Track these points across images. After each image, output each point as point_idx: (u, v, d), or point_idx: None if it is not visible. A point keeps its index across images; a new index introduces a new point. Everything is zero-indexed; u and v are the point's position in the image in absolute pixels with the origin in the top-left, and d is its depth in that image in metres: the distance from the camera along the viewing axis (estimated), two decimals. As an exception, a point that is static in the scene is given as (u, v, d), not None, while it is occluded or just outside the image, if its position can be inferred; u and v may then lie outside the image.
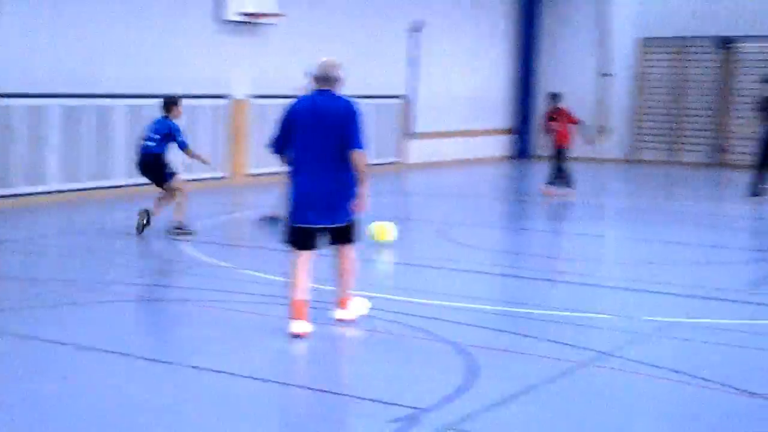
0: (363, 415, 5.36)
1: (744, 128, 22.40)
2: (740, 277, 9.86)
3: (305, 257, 7.00)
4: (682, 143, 24.01)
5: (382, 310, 7.55)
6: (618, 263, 10.79)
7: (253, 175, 16.92)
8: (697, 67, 23.79)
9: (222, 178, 16.55)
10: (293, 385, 5.81)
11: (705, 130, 23.67)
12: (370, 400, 5.53)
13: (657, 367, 6.21)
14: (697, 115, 23.79)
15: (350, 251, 7.21)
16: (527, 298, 8.57)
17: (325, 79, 7.01)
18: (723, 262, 10.58)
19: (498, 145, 24.94)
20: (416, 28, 20.82)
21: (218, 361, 6.17)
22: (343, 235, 7.12)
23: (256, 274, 9.00)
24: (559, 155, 16.40)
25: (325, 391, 5.72)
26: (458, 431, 5.01)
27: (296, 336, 6.81)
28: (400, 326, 7.19)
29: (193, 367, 6.04)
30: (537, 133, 23.89)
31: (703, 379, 5.97)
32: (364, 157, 6.91)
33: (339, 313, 7.29)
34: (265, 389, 5.73)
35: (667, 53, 24.15)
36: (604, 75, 24.70)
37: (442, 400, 5.43)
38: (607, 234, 12.93)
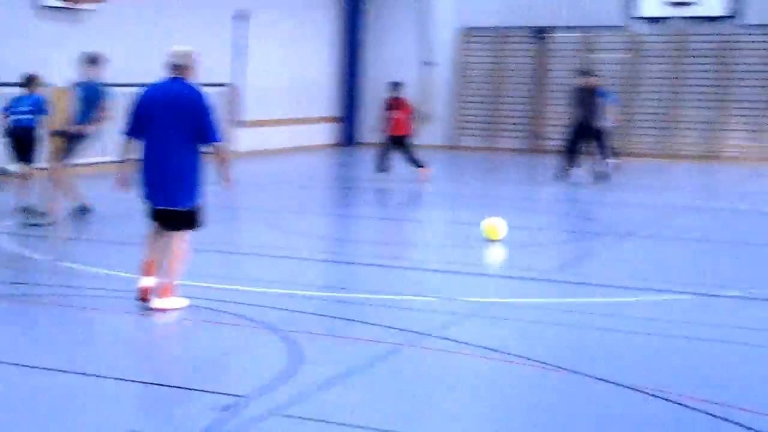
0: (184, 404, 5.34)
1: (558, 115, 23.33)
2: (552, 258, 10.34)
3: (154, 231, 7.37)
4: (501, 130, 24.83)
5: (206, 298, 7.52)
6: (438, 246, 11.10)
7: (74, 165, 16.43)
8: (515, 57, 24.64)
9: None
10: (111, 378, 5.73)
11: (522, 117, 24.55)
12: (192, 389, 5.52)
13: (475, 346, 6.43)
14: (514, 103, 24.64)
15: (182, 239, 7.29)
16: (351, 283, 8.73)
17: (176, 67, 7.23)
18: (534, 244, 11.05)
19: (325, 133, 25.11)
20: (242, 16, 20.66)
21: (30, 357, 6.03)
22: (179, 221, 7.25)
23: (74, 266, 8.81)
24: (395, 143, 16.69)
25: (146, 383, 5.66)
26: (282, 416, 5.08)
27: (143, 290, 7.16)
28: (223, 314, 7.18)
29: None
30: (370, 121, 24.21)
31: (519, 356, 6.21)
32: (223, 147, 7.33)
33: (157, 302, 7.21)
34: (84, 383, 5.62)
35: (486, 43, 24.88)
36: (427, 64, 25.22)
37: (266, 387, 5.47)
38: (429, 219, 13.28)
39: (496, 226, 10.68)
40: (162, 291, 7.24)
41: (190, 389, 5.54)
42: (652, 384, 5.64)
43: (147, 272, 7.27)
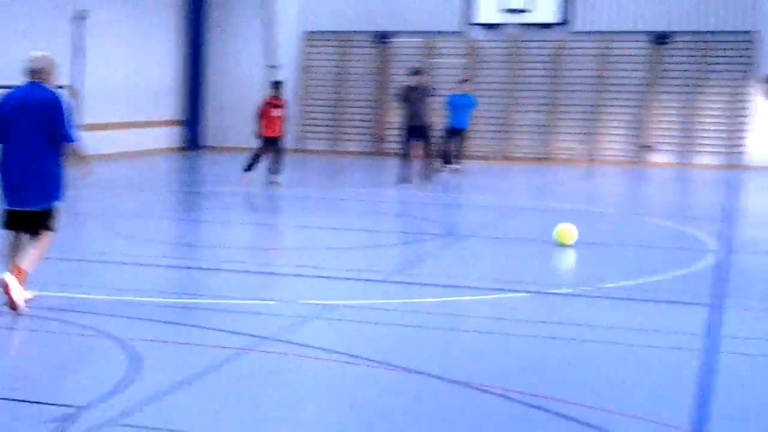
0: (17, 418, 5.21)
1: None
2: (393, 259, 10.56)
3: (13, 238, 7.62)
4: (345, 133, 25.09)
5: (44, 307, 7.36)
6: (280, 250, 11.17)
7: None
8: (358, 61, 24.95)
9: None
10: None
11: (366, 121, 24.88)
12: (28, 401, 5.40)
13: (317, 348, 6.52)
14: (358, 107, 24.94)
15: (43, 237, 7.58)
16: (193, 289, 8.69)
17: (34, 72, 7.53)
18: (376, 246, 11.26)
19: (169, 136, 24.77)
20: (80, 17, 20.16)
21: None
22: (39, 221, 7.54)
23: None
24: (271, 144, 16.58)
25: (-22, 396, 5.52)
26: (121, 426, 5.04)
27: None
28: (61, 323, 7.04)
29: None
30: (219, 123, 24.01)
31: (360, 357, 6.34)
32: (80, 147, 7.66)
33: (9, 278, 7.18)
34: None
35: (329, 47, 25.09)
36: (271, 67, 25.22)
37: (103, 396, 5.40)
38: (272, 222, 13.33)
39: (568, 231, 10.88)
40: (17, 271, 7.30)
41: (25, 401, 5.41)
42: (490, 381, 5.85)
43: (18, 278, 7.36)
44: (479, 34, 24.10)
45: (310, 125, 25.29)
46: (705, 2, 22.53)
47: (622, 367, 6.35)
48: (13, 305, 7.18)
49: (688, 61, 22.84)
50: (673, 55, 22.93)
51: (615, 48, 23.27)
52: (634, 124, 23.35)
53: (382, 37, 24.55)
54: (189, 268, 9.74)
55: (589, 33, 23.33)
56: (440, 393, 5.75)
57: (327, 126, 25.25)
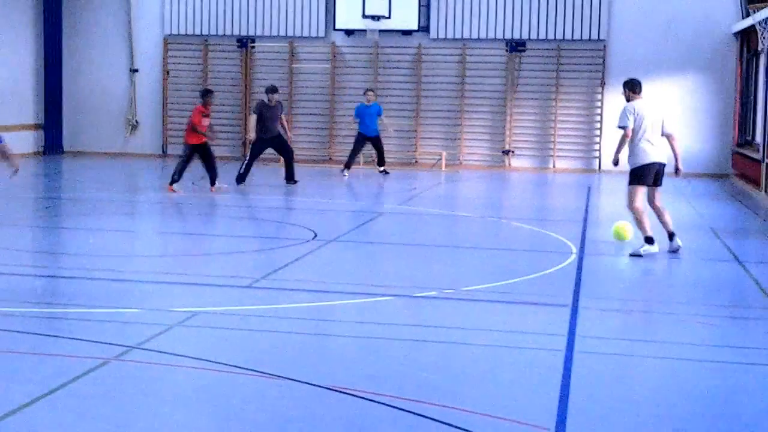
0: None
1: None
2: (259, 265, 10.52)
3: None
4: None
5: None
6: (147, 257, 10.98)
7: None
8: (220, 65, 24.75)
9: None
10: None
11: (229, 125, 24.68)
12: None
13: (182, 356, 6.45)
14: (221, 111, 24.70)
15: None
16: (55, 298, 8.45)
17: None
18: (242, 251, 11.19)
19: (26, 141, 23.99)
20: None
21: None
22: None
23: None
24: (199, 151, 16.57)
25: None
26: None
27: None
28: None
29: None
30: (75, 126, 23.40)
31: (226, 364, 6.30)
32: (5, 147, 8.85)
33: None
34: None
35: (191, 50, 24.81)
36: (132, 71, 24.80)
37: (-39, 411, 5.24)
38: (137, 229, 13.09)
39: (625, 227, 11.82)
40: None
41: None
42: (359, 385, 5.91)
43: None
44: (341, 39, 24.25)
45: (173, 130, 24.91)
46: (559, 12, 23.27)
47: (487, 368, 6.51)
48: None
49: (544, 68, 23.54)
50: (529, 62, 23.59)
51: (473, 55, 23.78)
52: (494, 130, 23.90)
53: (243, 41, 24.42)
54: (50, 276, 9.47)
55: (447, 40, 23.78)
56: (309, 398, 5.76)
57: (189, 130, 24.89)
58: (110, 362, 6.31)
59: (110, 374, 6.14)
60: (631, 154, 11.44)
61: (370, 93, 21.41)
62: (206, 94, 17.10)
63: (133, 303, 8.12)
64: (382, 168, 21.44)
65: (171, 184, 16.39)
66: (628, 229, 11.79)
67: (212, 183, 16.70)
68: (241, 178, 17.91)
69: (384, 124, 21.35)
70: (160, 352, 6.56)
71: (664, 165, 11.49)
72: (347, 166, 20.96)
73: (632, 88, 11.67)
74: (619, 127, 11.52)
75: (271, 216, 14.81)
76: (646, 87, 23.10)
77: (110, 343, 6.71)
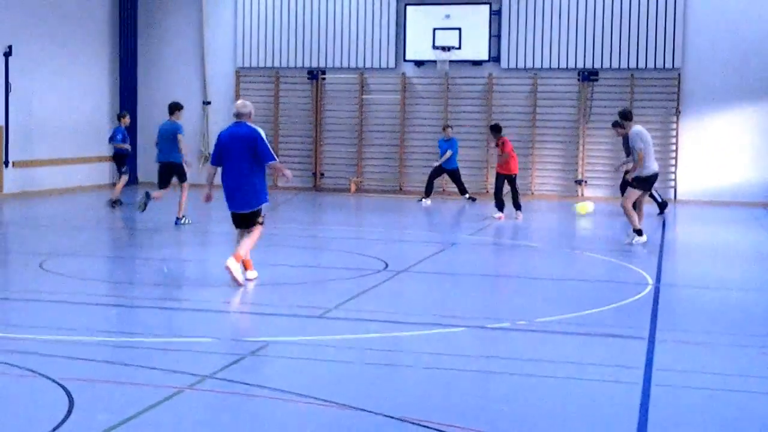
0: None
1: (335, 153, 23.88)
2: (330, 295, 10.52)
3: (239, 233, 10.76)
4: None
5: (-27, 349, 7.19)
6: (217, 286, 11.06)
7: None
8: (292, 96, 25.02)
9: None
10: None
11: (302, 156, 24.88)
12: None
13: (257, 386, 6.45)
14: (293, 142, 24.97)
15: (256, 230, 10.59)
16: (130, 327, 8.55)
17: (239, 115, 10.58)
18: (314, 281, 11.21)
19: (101, 173, 24.48)
20: (5, 53, 19.88)
21: None
22: (250, 219, 10.58)
23: None
24: None
25: None
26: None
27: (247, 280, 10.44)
28: (-7, 365, 6.89)
29: None
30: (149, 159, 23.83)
31: (300, 394, 6.28)
32: (277, 164, 10.57)
33: (231, 262, 10.17)
34: None
35: (262, 82, 25.12)
36: (205, 103, 25.18)
37: (39, 438, 5.30)
38: (205, 258, 13.20)
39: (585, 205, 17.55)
40: (245, 263, 10.57)
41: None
42: (431, 417, 5.85)
43: (246, 266, 10.62)
44: (411, 70, 24.34)
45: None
46: (632, 40, 23.05)
47: (561, 402, 6.39)
48: (237, 283, 10.15)
49: (617, 97, 23.31)
50: (601, 92, 23.38)
51: (544, 84, 23.65)
52: (566, 159, 23.70)
53: (315, 73, 24.66)
54: (120, 305, 9.58)
55: (518, 69, 23.70)
56: (381, 429, 5.71)
57: (261, 162, 25.20)
58: (184, 391, 6.34)
59: (184, 403, 6.17)
60: (643, 167, 14.32)
61: (449, 129, 22.04)
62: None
63: (206, 332, 8.17)
64: (467, 195, 22.00)
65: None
66: (588, 206, 18.42)
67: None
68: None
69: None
70: (234, 381, 6.57)
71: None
72: (427, 193, 21.92)
73: (629, 117, 14.78)
74: (639, 149, 14.24)
75: (343, 246, 14.85)
76: (722, 116, 22.65)
77: (184, 372, 6.75)
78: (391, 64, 24.36)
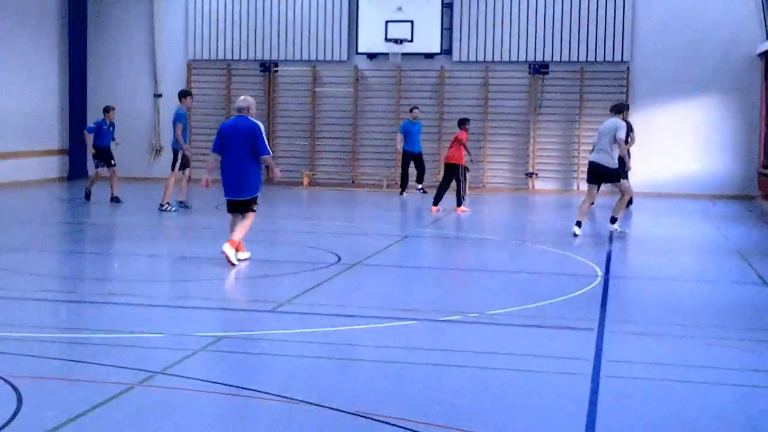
0: None
1: (287, 146, 23.81)
2: (282, 289, 10.51)
3: (232, 219, 11.57)
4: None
5: None
6: (169, 281, 11.00)
7: None
8: (243, 89, 24.88)
9: None
10: None
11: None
12: None
13: (209, 381, 6.43)
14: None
15: (249, 217, 11.46)
16: (78, 323, 8.47)
17: (239, 109, 11.43)
18: (266, 275, 11.19)
19: (51, 166, 24.18)
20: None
21: None
22: (245, 206, 11.42)
23: None
24: None
25: None
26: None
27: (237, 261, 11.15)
28: (-62, 363, 6.78)
29: None
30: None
31: (254, 390, 6.29)
32: (270, 159, 11.47)
33: (226, 247, 11.13)
34: None
35: (214, 75, 24.97)
36: (156, 96, 24.97)
37: (-14, 437, 5.25)
38: (159, 253, 13.11)
39: None
40: (235, 244, 11.22)
41: None
42: (387, 411, 5.87)
43: (236, 247, 11.28)
44: (363, 63, 24.34)
45: (197, 154, 25.01)
46: (582, 34, 23.26)
47: (513, 393, 6.45)
48: (231, 264, 11.03)
49: (567, 90, 23.50)
50: (552, 85, 23.56)
51: (496, 77, 23.78)
52: (517, 152, 23.86)
53: (267, 66, 24.56)
54: (68, 301, 9.49)
55: (470, 62, 23.80)
56: (334, 424, 5.73)
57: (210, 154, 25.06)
58: (135, 388, 6.30)
59: (135, 400, 6.13)
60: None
61: (416, 110, 22.10)
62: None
63: (157, 328, 8.12)
64: (420, 186, 22.03)
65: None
66: None
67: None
68: None
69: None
70: (185, 377, 6.54)
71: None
72: (402, 187, 21.93)
73: (615, 109, 15.31)
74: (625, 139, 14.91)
75: (295, 239, 14.82)
76: (670, 108, 22.89)
77: (135, 368, 6.70)
78: (344, 57, 24.35)
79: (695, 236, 16.16)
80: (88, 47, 25.10)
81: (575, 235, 14.65)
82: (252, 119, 11.35)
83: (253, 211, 11.54)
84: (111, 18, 25.29)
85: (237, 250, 11.32)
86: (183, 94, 17.55)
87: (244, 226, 11.37)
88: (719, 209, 19.52)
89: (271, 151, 11.59)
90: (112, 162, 19.08)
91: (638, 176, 23.01)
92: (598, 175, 14.78)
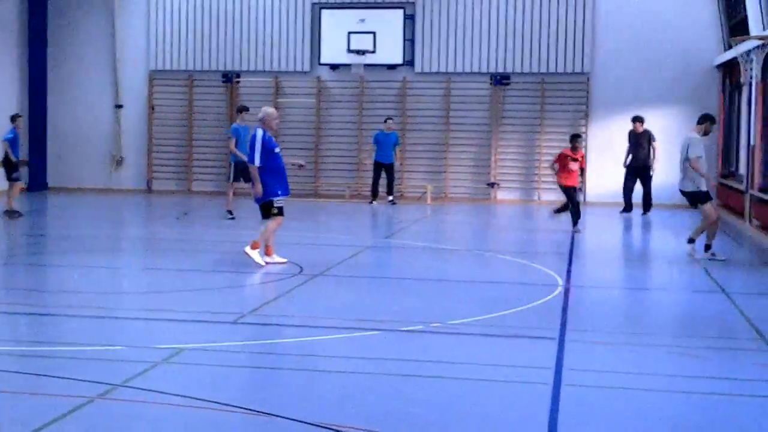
0: None
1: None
2: (246, 299, 10.48)
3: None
4: (195, 173, 24.84)
5: None
6: (129, 293, 10.93)
7: None
8: (205, 100, 24.82)
9: None
10: None
11: (215, 160, 24.68)
12: None
13: (170, 394, 6.38)
14: (207, 146, 24.76)
15: (271, 221, 12.14)
16: (38, 336, 8.38)
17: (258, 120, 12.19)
18: (230, 286, 11.14)
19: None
20: None
21: None
22: (264, 210, 12.22)
23: None
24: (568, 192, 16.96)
25: None
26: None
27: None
28: None
29: None
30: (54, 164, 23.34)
31: (216, 402, 6.25)
32: (252, 170, 12.01)
33: (248, 249, 12.08)
34: None
35: (176, 86, 24.86)
36: (117, 107, 24.82)
37: (-57, 452, 5.17)
38: (117, 265, 13.02)
39: None
40: (254, 244, 12.07)
41: None
42: (350, 422, 5.87)
43: (267, 252, 12.16)
44: (326, 74, 24.36)
45: (158, 165, 24.92)
46: (542, 45, 23.44)
47: (475, 402, 6.47)
48: (257, 265, 11.89)
49: (528, 101, 23.66)
50: (513, 96, 23.71)
51: (457, 88, 23.88)
52: (479, 162, 23.97)
53: (229, 76, 24.50)
54: (34, 314, 9.39)
55: (432, 74, 23.90)
56: (296, 435, 5.72)
57: (176, 165, 24.96)
58: (95, 401, 6.25)
59: (95, 413, 6.08)
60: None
61: (390, 121, 22.19)
62: (575, 138, 17.40)
63: (119, 340, 8.06)
64: (391, 197, 22.12)
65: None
66: None
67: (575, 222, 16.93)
68: None
69: (395, 156, 22.15)
70: (146, 390, 6.50)
71: None
72: (373, 197, 22.08)
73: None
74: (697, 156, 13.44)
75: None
76: (629, 119, 23.03)
77: (94, 381, 6.64)
78: (306, 68, 24.34)
79: (655, 246, 16.32)
80: (48, 58, 24.85)
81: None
82: (260, 128, 12.08)
83: (274, 215, 12.12)
84: (72, 29, 25.09)
85: (266, 253, 12.18)
86: (239, 110, 18.14)
87: (265, 230, 12.17)
88: (678, 219, 19.71)
89: (256, 161, 11.98)
90: (14, 175, 18.19)
91: (598, 186, 23.20)
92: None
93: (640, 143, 20.44)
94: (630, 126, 21.21)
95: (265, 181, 12.03)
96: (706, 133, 13.87)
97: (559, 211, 17.50)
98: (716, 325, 9.44)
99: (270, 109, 12.26)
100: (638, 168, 20.50)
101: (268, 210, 12.16)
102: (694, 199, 13.49)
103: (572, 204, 16.91)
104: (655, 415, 6.30)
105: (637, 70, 23.04)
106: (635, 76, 23.06)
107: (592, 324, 9.29)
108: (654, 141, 20.44)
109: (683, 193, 13.61)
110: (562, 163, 17.00)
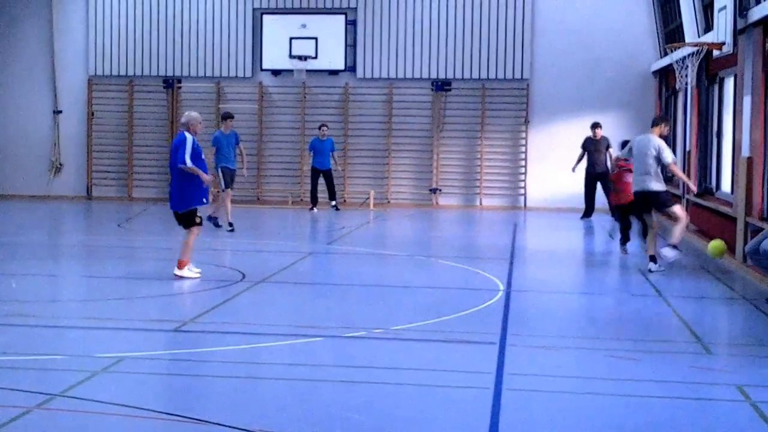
0: None
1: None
2: (188, 307, 10.41)
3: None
4: (135, 179, 24.60)
5: None
6: (69, 301, 10.79)
7: None
8: (146, 105, 24.60)
9: None
10: None
11: (156, 166, 24.46)
12: None
13: (110, 403, 6.31)
14: (148, 152, 24.53)
15: (190, 232, 11.75)
16: (-26, 346, 8.26)
17: (180, 124, 11.93)
18: (172, 294, 11.06)
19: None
20: None
21: None
22: (183, 219, 11.83)
23: None
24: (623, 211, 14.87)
25: None
26: None
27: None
28: None
29: None
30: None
31: (156, 411, 6.21)
32: (188, 167, 11.53)
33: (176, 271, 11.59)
34: None
35: (116, 91, 24.61)
36: (56, 112, 24.51)
37: None
38: (56, 272, 12.85)
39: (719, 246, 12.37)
40: (179, 263, 11.62)
41: None
42: (292, 429, 5.86)
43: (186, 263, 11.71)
44: (268, 79, 24.29)
45: (98, 171, 24.64)
46: (483, 52, 23.62)
47: (417, 408, 6.50)
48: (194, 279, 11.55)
49: (469, 107, 23.83)
50: (454, 101, 23.86)
51: (399, 94, 23.97)
52: (421, 168, 24.07)
53: (169, 82, 24.31)
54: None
55: (374, 79, 23.96)
56: (238, 443, 5.70)
57: (116, 172, 24.69)
58: (32, 411, 6.16)
59: (33, 424, 6.00)
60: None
61: (324, 128, 22.03)
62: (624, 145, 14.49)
63: (57, 349, 7.95)
64: (334, 203, 22.05)
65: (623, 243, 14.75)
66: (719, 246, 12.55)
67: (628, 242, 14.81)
68: None
69: (334, 161, 22.09)
70: (85, 399, 6.43)
71: None
72: (313, 203, 21.97)
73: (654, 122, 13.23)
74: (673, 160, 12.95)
75: (199, 258, 14.67)
76: (568, 125, 23.36)
77: (32, 392, 6.55)
78: (248, 74, 24.25)
79: (595, 251, 16.53)
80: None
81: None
82: (184, 133, 11.73)
83: (196, 224, 11.81)
84: (9, 34, 24.70)
85: (179, 267, 11.70)
86: (224, 117, 17.98)
87: (185, 244, 11.76)
88: (615, 224, 19.98)
89: (187, 161, 11.55)
90: None
91: (539, 191, 23.44)
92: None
93: (599, 149, 20.47)
94: (571, 131, 21.48)
95: (188, 187, 11.65)
96: (663, 135, 13.13)
97: (624, 241, 14.83)
98: (654, 328, 9.60)
99: (194, 114, 11.95)
100: (598, 174, 20.46)
101: (191, 219, 11.78)
102: (662, 199, 12.82)
103: (626, 222, 14.82)
104: (596, 418, 6.39)
105: (576, 76, 23.34)
106: (574, 83, 23.35)
107: (532, 328, 9.38)
108: (610, 148, 20.48)
109: (647, 194, 12.76)
110: (617, 177, 14.75)
